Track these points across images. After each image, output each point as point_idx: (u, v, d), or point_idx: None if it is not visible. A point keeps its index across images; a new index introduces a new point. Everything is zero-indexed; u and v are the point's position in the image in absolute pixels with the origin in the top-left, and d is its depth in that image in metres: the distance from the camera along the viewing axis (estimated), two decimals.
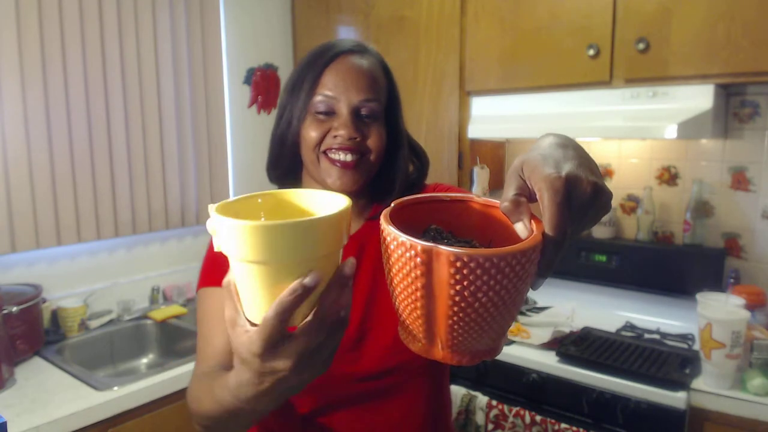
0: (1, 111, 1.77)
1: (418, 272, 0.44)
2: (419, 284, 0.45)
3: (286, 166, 0.93)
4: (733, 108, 1.92)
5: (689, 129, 1.64)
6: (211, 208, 0.48)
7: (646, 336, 1.87)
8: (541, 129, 1.93)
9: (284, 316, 0.47)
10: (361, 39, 2.31)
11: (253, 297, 0.49)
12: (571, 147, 0.51)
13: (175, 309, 2.14)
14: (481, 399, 1.79)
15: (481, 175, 2.18)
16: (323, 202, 0.54)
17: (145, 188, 2.14)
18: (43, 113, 1.85)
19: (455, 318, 0.45)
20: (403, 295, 0.47)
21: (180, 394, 1.66)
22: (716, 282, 1.86)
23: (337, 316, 0.50)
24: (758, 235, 1.92)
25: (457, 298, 0.44)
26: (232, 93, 2.44)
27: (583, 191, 0.46)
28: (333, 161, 0.86)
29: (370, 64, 0.89)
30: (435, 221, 0.54)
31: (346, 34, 2.40)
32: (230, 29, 2.42)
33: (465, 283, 0.43)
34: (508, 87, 2.02)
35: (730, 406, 1.48)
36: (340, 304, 0.50)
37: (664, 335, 1.85)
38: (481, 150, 2.23)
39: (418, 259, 0.44)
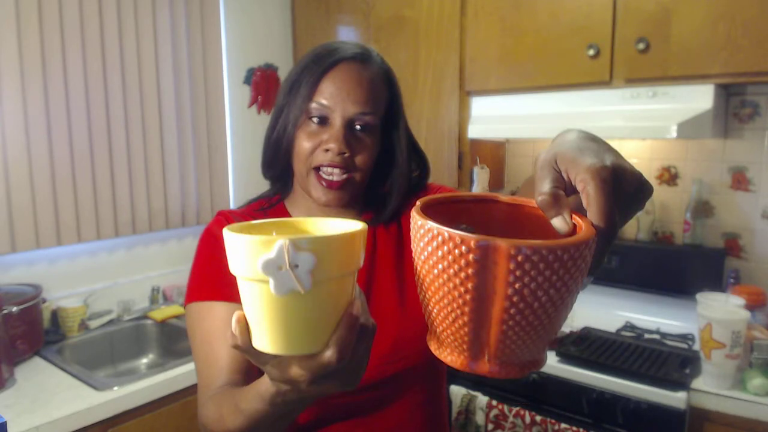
0: (1, 111, 1.77)
1: (470, 271, 0.39)
2: (470, 285, 0.40)
3: (281, 168, 0.92)
4: (733, 108, 1.92)
5: (689, 129, 1.64)
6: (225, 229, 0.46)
7: (646, 336, 1.87)
8: (541, 129, 1.96)
9: (346, 353, 0.46)
10: (361, 39, 2.32)
11: (263, 324, 0.45)
12: (601, 141, 0.49)
13: (175, 309, 2.14)
14: (481, 399, 1.79)
15: (481, 175, 2.18)
16: (339, 228, 0.50)
17: (145, 188, 2.14)
18: (43, 113, 1.85)
19: (510, 323, 0.40)
20: (445, 300, 0.42)
21: (180, 394, 1.66)
22: (716, 282, 1.86)
23: (364, 326, 0.50)
24: (758, 235, 1.92)
25: (515, 299, 0.39)
26: (232, 93, 2.44)
27: (629, 182, 0.44)
28: (320, 178, 0.84)
29: (372, 74, 0.85)
30: (461, 221, 0.50)
31: (346, 34, 2.40)
32: (230, 29, 2.42)
33: (525, 279, 0.38)
34: (508, 87, 2.02)
35: (730, 406, 1.48)
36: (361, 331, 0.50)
37: (664, 335, 1.85)
38: (481, 150, 2.23)
39: (471, 256, 0.39)
